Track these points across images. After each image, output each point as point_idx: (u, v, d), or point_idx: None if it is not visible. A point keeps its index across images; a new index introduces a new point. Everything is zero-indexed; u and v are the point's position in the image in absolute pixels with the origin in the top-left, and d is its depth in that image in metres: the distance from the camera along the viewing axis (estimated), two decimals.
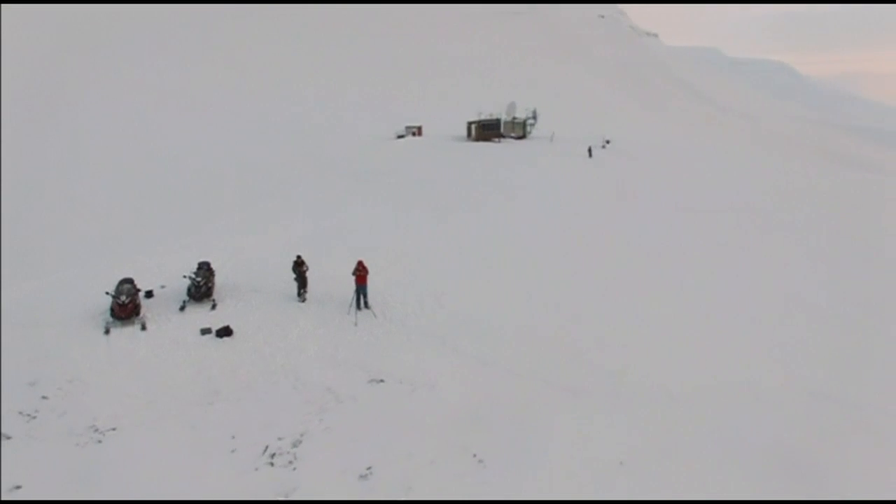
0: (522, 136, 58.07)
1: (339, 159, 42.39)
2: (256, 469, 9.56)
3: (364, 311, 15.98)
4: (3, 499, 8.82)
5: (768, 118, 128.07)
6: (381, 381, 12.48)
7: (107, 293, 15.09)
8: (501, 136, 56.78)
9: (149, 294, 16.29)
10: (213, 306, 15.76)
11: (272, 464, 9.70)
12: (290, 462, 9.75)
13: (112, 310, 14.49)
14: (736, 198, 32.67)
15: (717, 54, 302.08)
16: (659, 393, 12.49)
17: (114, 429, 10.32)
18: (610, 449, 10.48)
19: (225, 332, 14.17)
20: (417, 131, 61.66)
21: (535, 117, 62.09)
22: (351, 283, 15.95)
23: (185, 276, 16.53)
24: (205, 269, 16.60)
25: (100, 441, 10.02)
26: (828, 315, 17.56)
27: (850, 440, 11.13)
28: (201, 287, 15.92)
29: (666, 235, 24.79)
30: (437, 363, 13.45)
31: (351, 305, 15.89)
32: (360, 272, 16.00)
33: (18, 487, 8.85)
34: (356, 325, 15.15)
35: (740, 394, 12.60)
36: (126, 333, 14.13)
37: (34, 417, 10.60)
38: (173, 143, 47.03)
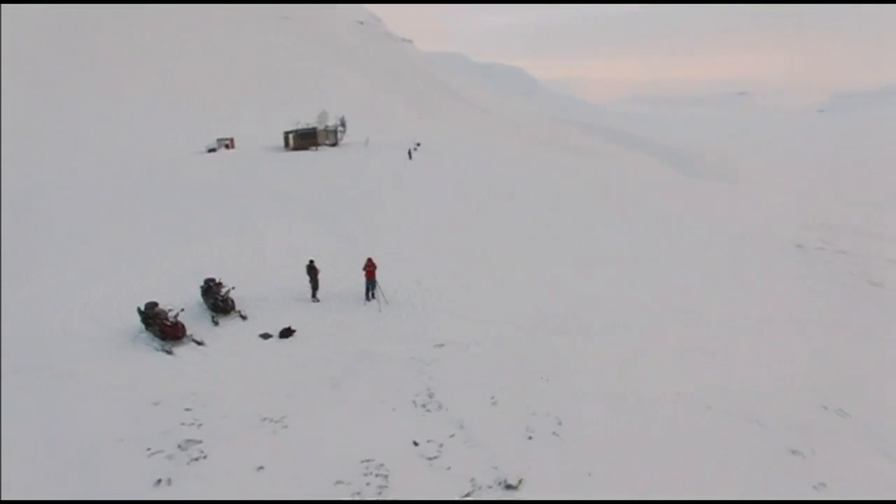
0: (335, 144, 61.11)
1: (165, 176, 40.78)
2: (420, 413, 12.19)
3: (373, 301, 18.47)
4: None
5: (517, 116, 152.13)
6: (442, 345, 15.60)
7: (139, 310, 15.10)
8: (318, 144, 59.01)
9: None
10: (244, 317, 16.47)
11: (428, 409, 12.43)
12: (440, 406, 12.50)
13: (162, 331, 14.45)
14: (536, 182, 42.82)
15: (465, 59, 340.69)
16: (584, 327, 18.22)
17: (284, 417, 11.68)
18: (610, 358, 15.75)
19: (287, 332, 15.40)
20: (230, 143, 59.91)
21: (343, 125, 65.56)
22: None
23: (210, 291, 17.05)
24: (216, 284, 16.97)
25: (286, 427, 11.36)
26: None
27: None
28: (228, 301, 16.46)
29: (532, 216, 32.14)
30: (464, 329, 16.96)
31: (373, 297, 18.27)
32: (370, 268, 18.41)
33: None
34: (381, 311, 17.63)
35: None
36: (189, 349, 14.39)
37: (201, 425, 11.23)
38: None
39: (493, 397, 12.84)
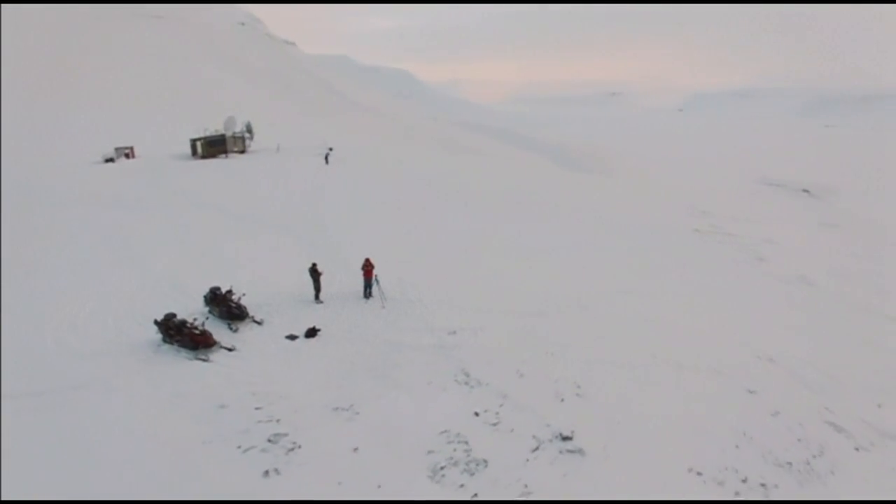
0: (243, 151, 59.42)
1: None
2: (466, 390, 13.85)
3: (371, 299, 19.59)
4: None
5: (409, 118, 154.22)
6: (454, 332, 17.26)
7: (157, 322, 15.17)
8: (227, 151, 57.12)
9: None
10: (258, 322, 16.90)
11: (471, 385, 14.08)
12: (479, 382, 14.19)
13: (192, 340, 14.64)
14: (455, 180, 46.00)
15: (351, 62, 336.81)
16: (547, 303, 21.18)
17: (352, 405, 12.74)
18: (588, 331, 18.45)
19: (312, 332, 16.18)
20: (130, 152, 56.32)
21: (250, 131, 63.88)
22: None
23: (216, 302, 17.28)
24: (228, 291, 17.19)
25: (358, 413, 12.43)
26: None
27: None
28: (242, 307, 16.80)
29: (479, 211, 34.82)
30: (464, 317, 18.74)
31: (371, 295, 19.40)
32: (368, 268, 19.50)
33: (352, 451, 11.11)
34: (384, 307, 18.85)
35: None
36: (223, 356, 14.76)
37: (279, 420, 12.01)
38: None
39: (517, 371, 14.83)
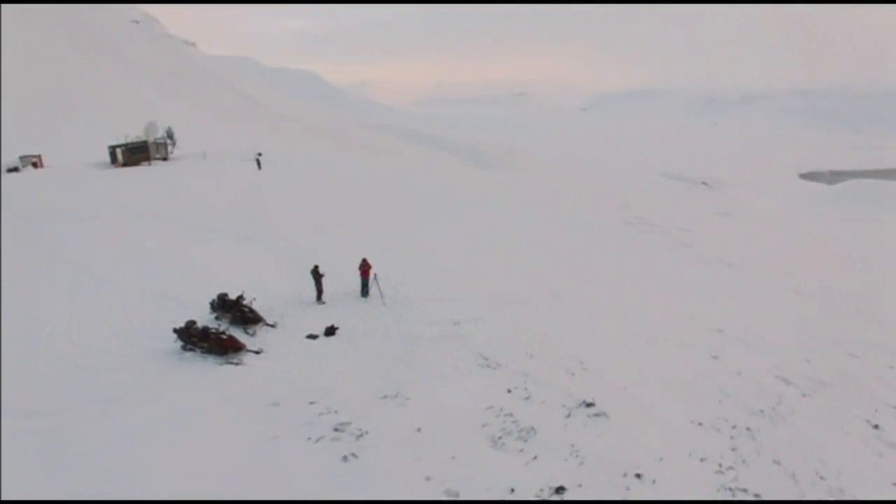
0: (165, 158, 56.84)
1: None
2: (490, 372, 15.37)
3: (369, 297, 20.47)
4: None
5: (322, 121, 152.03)
6: (458, 322, 18.65)
7: (179, 330, 15.29)
8: (150, 158, 54.43)
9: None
10: (272, 325, 17.28)
11: (493, 368, 15.61)
12: (498, 364, 15.73)
13: (220, 345, 14.88)
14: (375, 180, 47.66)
15: (256, 64, 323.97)
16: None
17: (398, 393, 13.81)
18: (570, 314, 20.66)
19: (331, 331, 16.87)
20: (38, 161, 52.20)
21: (171, 137, 61.15)
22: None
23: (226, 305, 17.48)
24: (239, 297, 17.39)
25: (408, 398, 13.50)
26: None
27: None
28: (255, 312, 17.11)
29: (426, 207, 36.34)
30: (460, 309, 20.18)
31: (367, 293, 20.25)
32: (365, 267, 20.34)
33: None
34: (384, 304, 19.81)
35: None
36: (252, 358, 15.16)
37: (336, 411, 12.83)
38: None
39: (527, 352, 16.58)
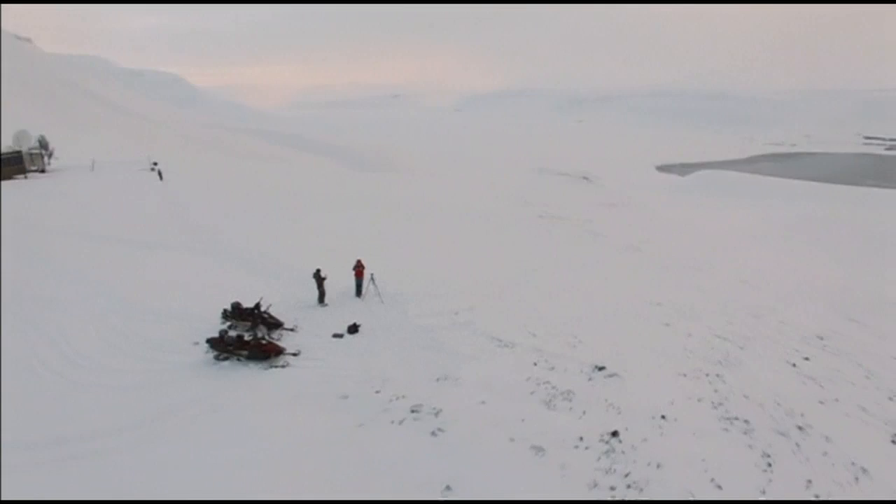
0: (43, 170, 51.27)
1: None
2: (509, 351, 17.48)
3: (364, 297, 21.48)
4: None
5: (190, 128, 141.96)
6: (457, 313, 20.45)
7: (215, 338, 15.46)
8: (25, 171, 48.72)
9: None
10: (293, 329, 17.73)
11: (510, 347, 17.78)
12: (513, 344, 17.98)
13: (263, 351, 15.26)
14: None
15: (108, 64, 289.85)
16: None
17: (458, 376, 15.46)
18: (539, 298, 23.54)
19: (354, 329, 17.78)
20: None
21: (45, 146, 54.96)
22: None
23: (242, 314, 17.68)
24: (256, 305, 17.56)
25: (457, 378, 15.28)
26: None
27: None
28: (275, 318, 17.46)
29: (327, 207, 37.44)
30: (448, 302, 21.97)
31: (377, 292, 21.20)
32: (359, 268, 21.29)
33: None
34: (383, 302, 20.97)
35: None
36: (294, 359, 15.72)
37: (404, 396, 14.15)
38: None
39: (529, 332, 18.99)
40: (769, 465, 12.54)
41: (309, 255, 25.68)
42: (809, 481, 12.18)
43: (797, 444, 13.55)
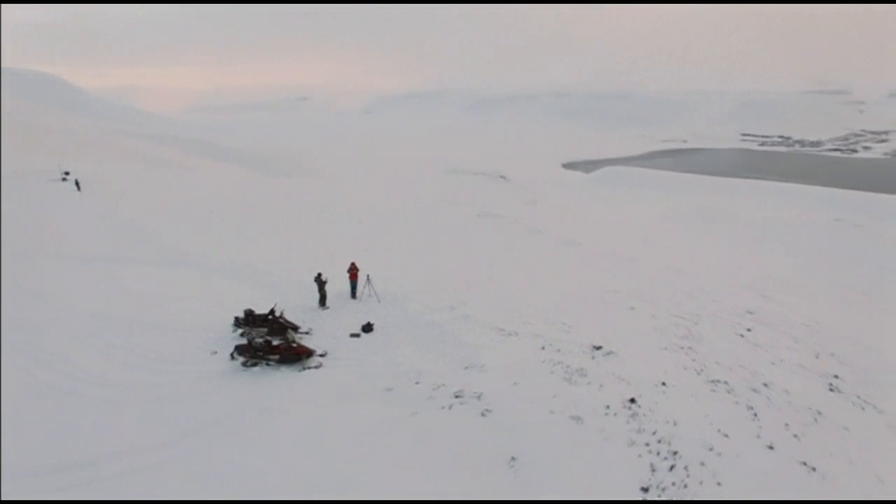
0: None
1: None
2: (515, 339, 19.08)
3: (360, 298, 22.08)
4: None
5: (80, 132, 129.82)
6: (454, 308, 21.65)
7: (242, 346, 15.63)
8: None
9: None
10: (308, 332, 18.03)
11: (514, 335, 19.36)
12: (516, 332, 19.59)
13: (296, 354, 15.59)
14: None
15: None
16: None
17: (474, 364, 16.69)
18: (524, 288, 25.49)
19: (369, 328, 18.42)
20: None
21: None
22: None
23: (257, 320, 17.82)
24: (269, 311, 17.66)
25: (483, 363, 16.58)
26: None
27: None
28: (291, 322, 17.69)
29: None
30: (442, 297, 23.11)
31: (374, 293, 21.79)
32: (353, 271, 21.84)
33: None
34: (380, 302, 21.68)
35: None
36: (325, 360, 16.20)
37: (444, 385, 15.22)
38: None
39: (524, 321, 20.60)
40: (755, 415, 15.15)
41: (283, 262, 25.78)
42: (787, 424, 14.92)
43: (768, 398, 16.36)
